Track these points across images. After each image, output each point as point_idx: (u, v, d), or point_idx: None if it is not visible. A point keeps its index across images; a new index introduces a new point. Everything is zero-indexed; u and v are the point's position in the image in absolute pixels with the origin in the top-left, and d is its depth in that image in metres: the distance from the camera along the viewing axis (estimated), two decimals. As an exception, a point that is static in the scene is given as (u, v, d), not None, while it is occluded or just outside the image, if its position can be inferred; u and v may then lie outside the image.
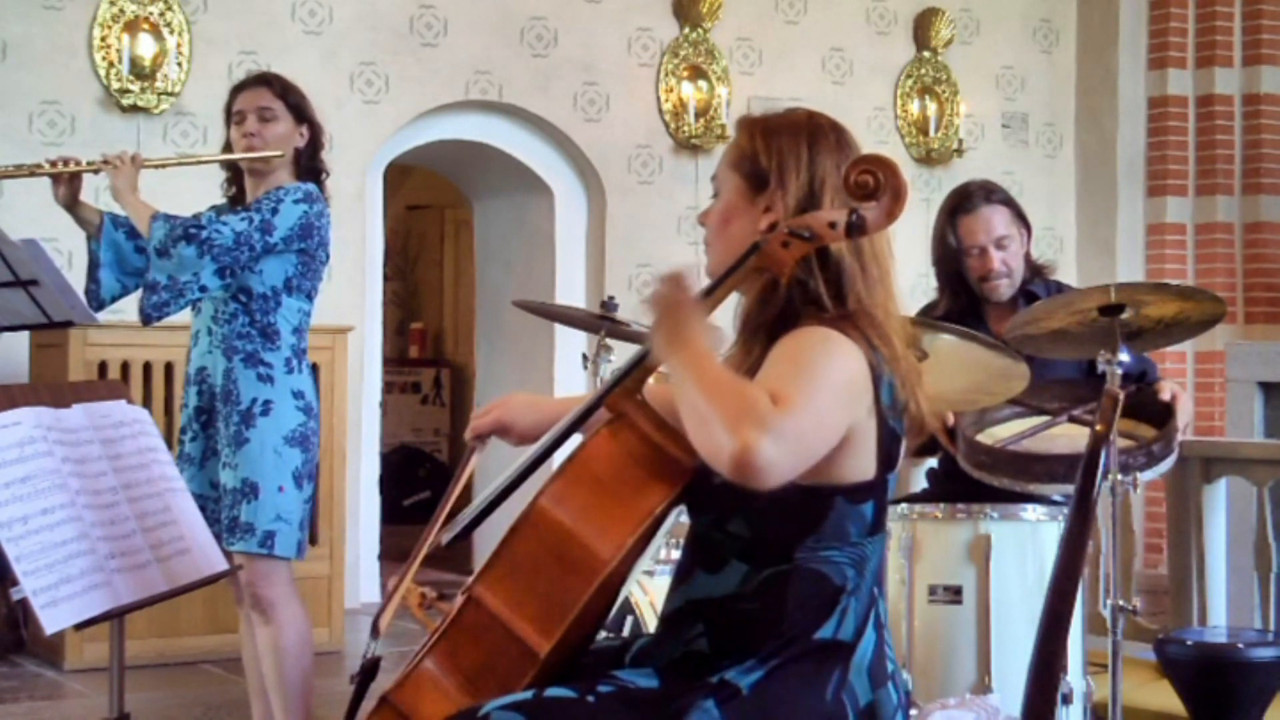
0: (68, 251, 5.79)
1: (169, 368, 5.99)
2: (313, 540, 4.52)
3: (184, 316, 4.02)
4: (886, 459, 2.26)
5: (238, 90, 4.07)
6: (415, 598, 2.48)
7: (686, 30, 8.11)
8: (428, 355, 12.00)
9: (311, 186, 4.00)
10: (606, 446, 2.22)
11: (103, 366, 5.95)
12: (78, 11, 6.79)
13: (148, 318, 3.86)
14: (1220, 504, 5.30)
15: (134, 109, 6.81)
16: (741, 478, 2.02)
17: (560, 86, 7.83)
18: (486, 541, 2.28)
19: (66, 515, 2.68)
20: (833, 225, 2.21)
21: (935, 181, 8.47)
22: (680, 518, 2.35)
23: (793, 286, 2.26)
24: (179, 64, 6.91)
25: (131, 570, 2.76)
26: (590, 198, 8.10)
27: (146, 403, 5.88)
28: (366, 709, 2.29)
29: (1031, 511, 3.74)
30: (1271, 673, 4.00)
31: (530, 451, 2.44)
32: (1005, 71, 9.00)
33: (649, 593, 3.85)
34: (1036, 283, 4.16)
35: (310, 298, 4.02)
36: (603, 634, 2.45)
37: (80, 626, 2.67)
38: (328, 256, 4.05)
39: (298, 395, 3.94)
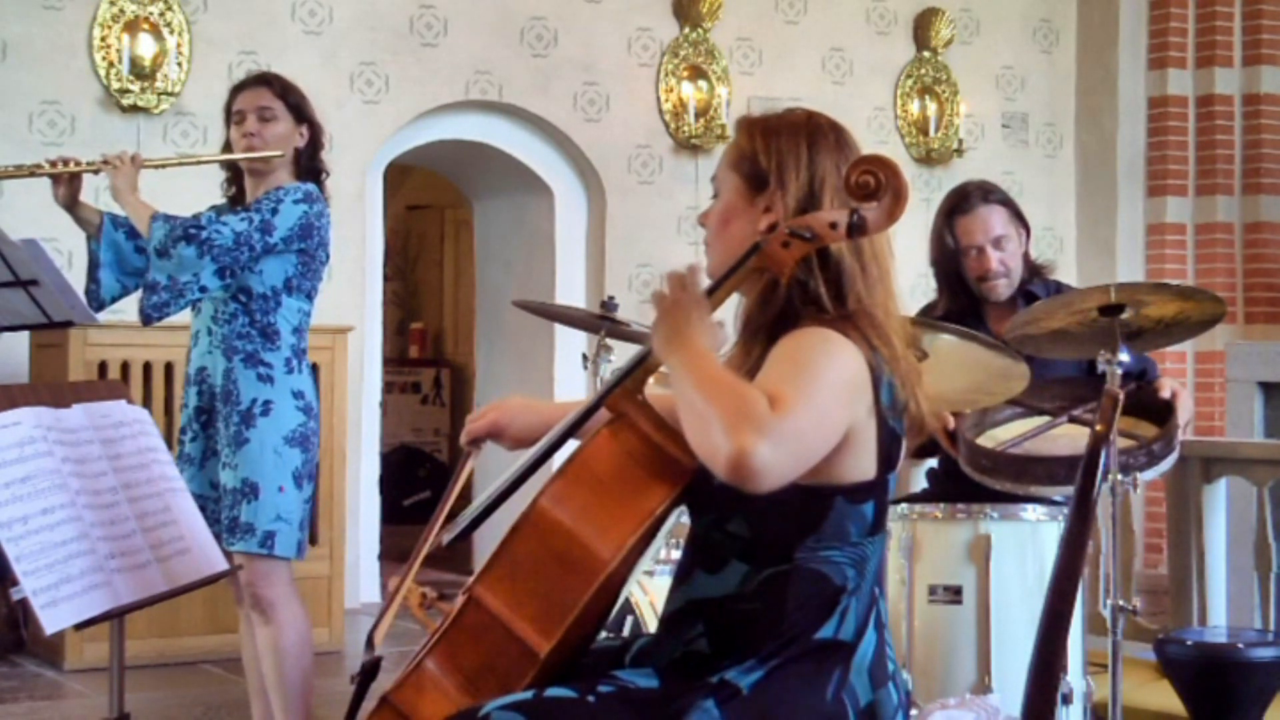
0: (68, 251, 5.79)
1: (169, 368, 5.99)
2: (313, 540, 4.52)
3: (184, 316, 4.02)
4: (887, 459, 2.26)
5: (238, 90, 4.07)
6: (415, 598, 2.48)
7: (686, 30, 8.11)
8: (428, 355, 12.01)
9: (311, 186, 4.00)
10: (607, 446, 2.22)
11: (103, 366, 5.95)
12: (78, 11, 6.79)
13: (148, 318, 3.86)
14: (1220, 504, 5.30)
15: (134, 109, 6.81)
16: (737, 481, 2.02)
17: (560, 86, 7.83)
18: (487, 542, 2.28)
19: (66, 515, 2.68)
20: (833, 225, 2.21)
21: (935, 181, 8.47)
22: (681, 518, 2.35)
23: (792, 286, 2.25)
24: (179, 64, 6.91)
25: (131, 570, 2.76)
26: (590, 198, 8.10)
27: (146, 403, 5.88)
28: (367, 709, 2.29)
29: (1031, 511, 3.74)
30: (1271, 673, 4.00)
31: (531, 451, 2.44)
32: (1005, 71, 9.00)
33: (649, 593, 3.85)
34: (1036, 283, 4.15)
35: (310, 298, 4.02)
36: (603, 634, 2.45)
37: (80, 626, 2.67)
38: (328, 256, 4.05)
39: (298, 395, 3.94)
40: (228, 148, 4.07)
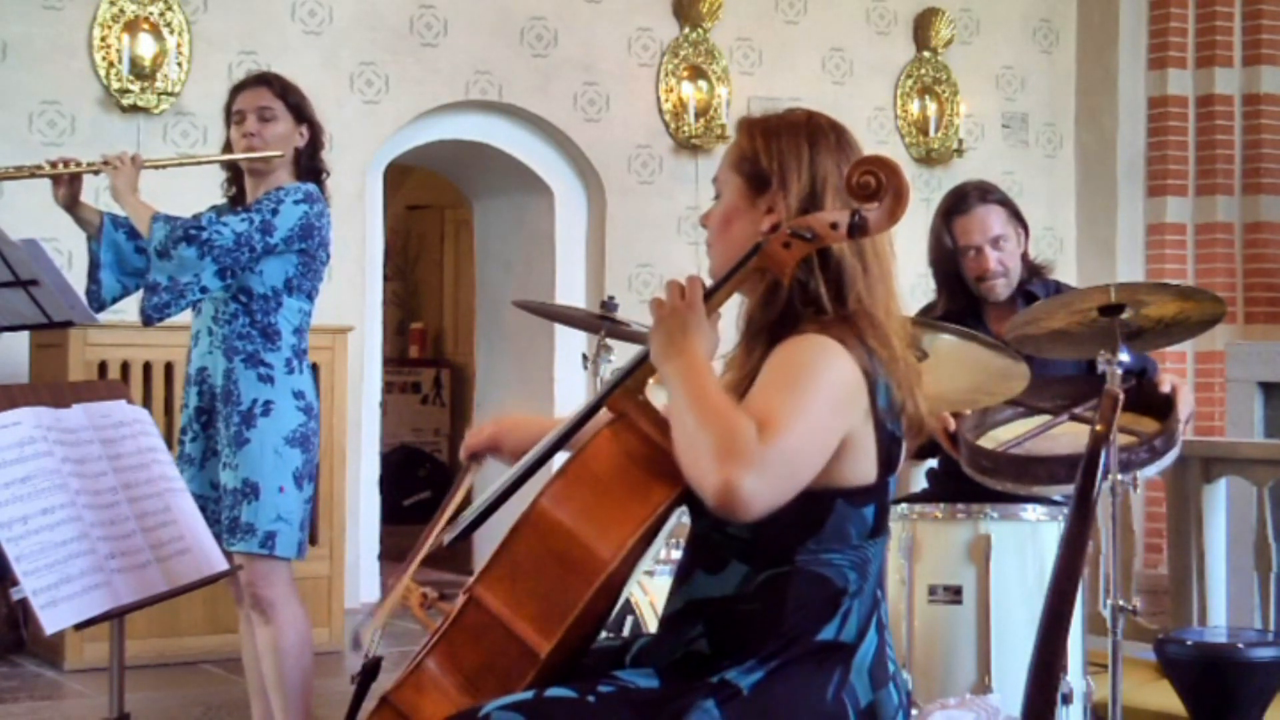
0: (68, 251, 5.79)
1: (169, 368, 5.99)
2: (313, 540, 4.51)
3: (184, 317, 4.02)
4: (887, 462, 2.26)
5: (238, 90, 4.07)
6: (415, 598, 2.48)
7: (686, 30, 8.11)
8: (428, 355, 12.01)
9: (312, 187, 4.00)
10: (608, 447, 2.22)
11: (103, 366, 5.95)
12: (78, 11, 6.79)
13: (148, 319, 3.86)
14: (1220, 504, 5.30)
15: (134, 109, 6.81)
16: (724, 511, 2.06)
17: (560, 86, 7.83)
18: (487, 542, 2.28)
19: (66, 515, 2.68)
20: (835, 226, 2.21)
21: (935, 181, 8.47)
22: (681, 518, 2.35)
23: (793, 287, 2.26)
24: (179, 64, 6.91)
25: (131, 570, 2.76)
26: (590, 198, 8.10)
27: (146, 403, 5.88)
28: (367, 709, 2.29)
29: (1031, 511, 3.74)
30: (1271, 673, 4.00)
31: (532, 452, 2.44)
32: (1005, 71, 9.00)
33: (649, 593, 3.85)
34: (1035, 282, 4.15)
35: (311, 298, 4.02)
36: (603, 634, 2.45)
37: (80, 626, 2.67)
38: (328, 257, 4.05)
39: (298, 395, 3.94)
40: (228, 148, 4.07)
